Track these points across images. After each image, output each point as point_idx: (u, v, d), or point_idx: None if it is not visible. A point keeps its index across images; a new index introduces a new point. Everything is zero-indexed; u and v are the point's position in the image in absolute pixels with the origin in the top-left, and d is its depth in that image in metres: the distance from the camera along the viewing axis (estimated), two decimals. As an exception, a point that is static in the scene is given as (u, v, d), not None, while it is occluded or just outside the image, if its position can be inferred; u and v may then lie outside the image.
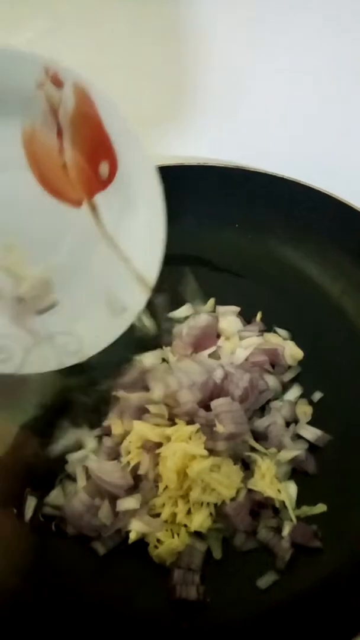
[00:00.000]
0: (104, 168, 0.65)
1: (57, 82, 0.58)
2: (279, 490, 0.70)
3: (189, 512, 0.69)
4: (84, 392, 0.75)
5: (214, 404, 0.72)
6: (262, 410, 0.79)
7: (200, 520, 0.68)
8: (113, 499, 0.70)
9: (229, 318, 0.86)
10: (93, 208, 0.67)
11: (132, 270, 0.70)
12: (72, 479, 0.74)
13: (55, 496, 0.73)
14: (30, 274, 0.65)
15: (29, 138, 0.61)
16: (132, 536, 0.68)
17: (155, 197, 0.67)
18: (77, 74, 0.58)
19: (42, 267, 0.66)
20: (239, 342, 0.84)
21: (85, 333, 0.70)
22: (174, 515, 0.68)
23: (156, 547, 0.68)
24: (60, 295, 0.69)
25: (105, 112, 0.61)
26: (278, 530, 0.70)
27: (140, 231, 0.70)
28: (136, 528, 0.68)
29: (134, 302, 0.71)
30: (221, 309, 0.90)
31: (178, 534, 0.68)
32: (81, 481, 0.72)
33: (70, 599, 0.67)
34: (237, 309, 0.89)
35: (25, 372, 0.64)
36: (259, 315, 0.89)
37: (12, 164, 0.61)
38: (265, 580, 0.68)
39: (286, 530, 0.70)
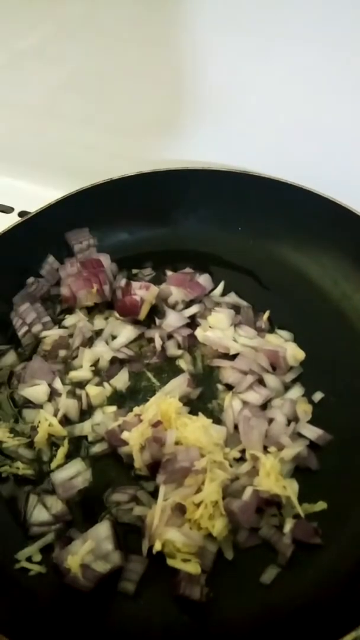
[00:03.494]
0: None
1: None
2: (284, 487, 0.71)
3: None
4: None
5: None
6: (263, 408, 0.81)
7: (221, 527, 0.69)
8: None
9: (218, 315, 0.88)
10: None
11: None
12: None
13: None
14: None
15: None
16: (157, 547, 0.67)
17: None
18: None
19: None
20: (232, 334, 0.87)
21: None
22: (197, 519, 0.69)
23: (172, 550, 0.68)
24: None
25: None
26: (279, 527, 0.72)
27: None
28: (175, 538, 0.67)
29: None
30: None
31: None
32: None
33: (71, 588, 0.68)
34: (231, 312, 0.90)
35: None
36: (266, 315, 0.90)
37: None
38: (268, 576, 0.69)
39: (287, 527, 0.71)
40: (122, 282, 0.94)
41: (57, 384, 0.84)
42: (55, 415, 0.81)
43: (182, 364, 0.87)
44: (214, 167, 0.99)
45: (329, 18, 0.79)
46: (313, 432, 0.78)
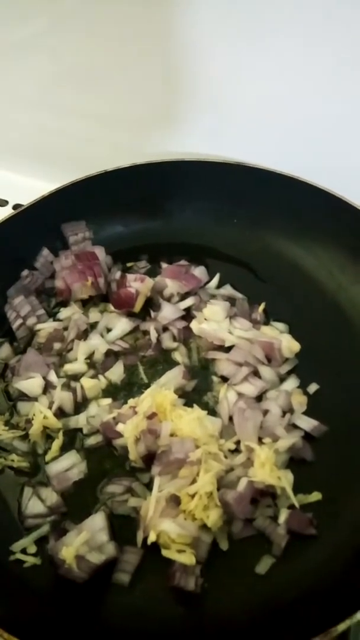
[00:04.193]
0: None
1: None
2: (279, 478, 0.71)
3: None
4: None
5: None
6: (259, 400, 0.81)
7: (215, 517, 0.69)
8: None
9: (214, 307, 0.88)
10: None
11: None
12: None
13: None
14: None
15: None
16: (152, 537, 0.67)
17: None
18: None
19: None
20: (227, 326, 0.87)
21: None
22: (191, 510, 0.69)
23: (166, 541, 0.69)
24: None
25: None
26: (274, 518, 0.72)
27: None
28: (169, 529, 0.67)
29: None
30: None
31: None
32: None
33: (66, 579, 0.68)
34: (226, 304, 0.90)
35: None
36: (261, 307, 0.90)
37: None
38: (262, 566, 0.69)
39: (282, 518, 0.71)
40: (117, 274, 0.94)
41: (52, 376, 0.84)
42: (50, 407, 0.81)
43: (178, 356, 0.87)
44: (209, 159, 0.99)
45: (328, 9, 0.79)
46: (308, 423, 0.78)
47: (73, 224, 0.98)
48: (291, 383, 0.83)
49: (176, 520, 0.68)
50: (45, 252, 0.97)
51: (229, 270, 0.96)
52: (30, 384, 0.83)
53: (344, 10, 0.78)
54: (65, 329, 0.90)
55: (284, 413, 0.79)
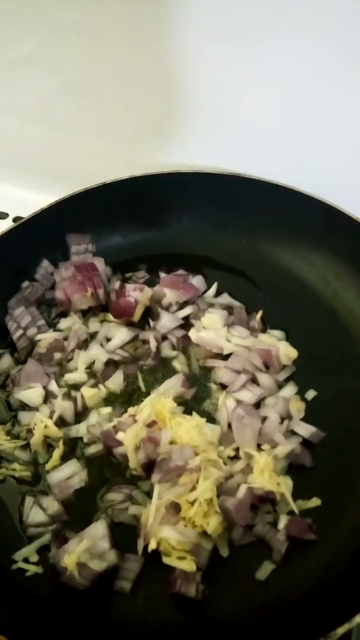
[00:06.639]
0: None
1: None
2: (278, 484, 0.72)
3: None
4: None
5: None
6: (257, 407, 0.82)
7: (215, 524, 0.70)
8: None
9: (212, 316, 0.89)
10: None
11: None
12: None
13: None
14: None
15: None
16: (152, 545, 0.68)
17: None
18: None
19: None
20: (225, 334, 0.88)
21: None
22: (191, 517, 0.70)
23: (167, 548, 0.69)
24: None
25: None
26: (274, 524, 0.72)
27: None
28: (170, 536, 0.68)
29: None
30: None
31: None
32: None
33: (68, 587, 0.69)
34: (224, 312, 0.91)
35: None
36: (259, 315, 0.91)
37: None
38: (262, 572, 0.70)
39: (282, 524, 0.72)
40: (117, 284, 0.95)
41: (53, 386, 0.85)
42: (50, 417, 0.81)
43: (177, 364, 0.88)
44: (206, 170, 1.00)
45: (322, 20, 0.80)
46: (306, 430, 0.79)
47: (78, 236, 1.00)
48: (289, 390, 0.84)
49: (176, 527, 0.69)
50: (46, 263, 0.98)
51: (227, 279, 0.98)
52: (31, 393, 0.84)
53: (343, 21, 0.80)
54: (66, 339, 0.91)
55: (282, 420, 0.80)
